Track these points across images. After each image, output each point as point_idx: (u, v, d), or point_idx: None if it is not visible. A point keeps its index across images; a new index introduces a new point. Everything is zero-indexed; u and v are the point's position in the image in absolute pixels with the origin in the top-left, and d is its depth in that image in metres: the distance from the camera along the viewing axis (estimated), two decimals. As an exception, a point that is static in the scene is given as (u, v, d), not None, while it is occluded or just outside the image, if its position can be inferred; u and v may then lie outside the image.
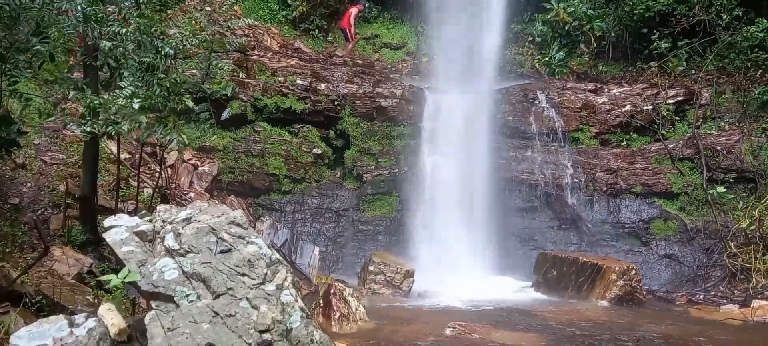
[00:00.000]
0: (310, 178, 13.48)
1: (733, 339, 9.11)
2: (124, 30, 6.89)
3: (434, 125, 13.73)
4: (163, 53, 7.24)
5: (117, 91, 6.41)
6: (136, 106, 6.29)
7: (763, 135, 13.49)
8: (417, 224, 13.18)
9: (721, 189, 12.86)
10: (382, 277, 11.41)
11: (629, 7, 15.75)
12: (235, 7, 16.81)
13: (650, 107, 14.32)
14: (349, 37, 17.04)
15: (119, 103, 6.19)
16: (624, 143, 14.25)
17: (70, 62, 8.08)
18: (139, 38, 7.12)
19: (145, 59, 7.12)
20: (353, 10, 17.06)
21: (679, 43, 15.33)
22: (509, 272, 12.88)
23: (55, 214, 8.75)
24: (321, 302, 9.19)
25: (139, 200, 9.20)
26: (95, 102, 6.32)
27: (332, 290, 9.10)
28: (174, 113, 7.35)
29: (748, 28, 14.49)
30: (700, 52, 15.34)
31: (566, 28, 16.40)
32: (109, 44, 6.95)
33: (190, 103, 7.36)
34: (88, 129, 6.30)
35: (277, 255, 5.34)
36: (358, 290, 10.47)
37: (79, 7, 6.64)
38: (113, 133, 6.71)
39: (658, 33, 15.41)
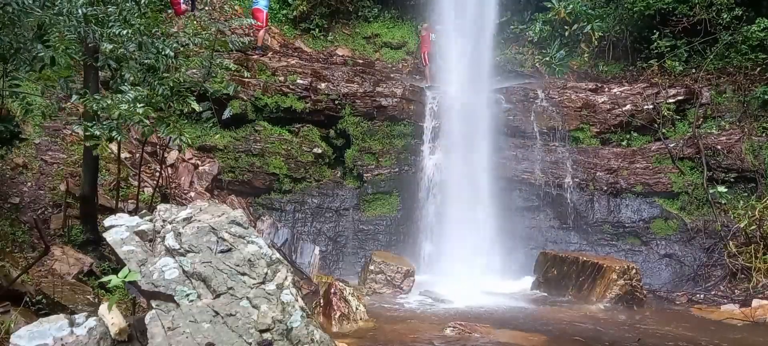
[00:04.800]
0: (311, 177, 13.47)
1: (733, 339, 9.08)
2: (125, 31, 6.88)
3: (435, 124, 13.74)
4: (164, 54, 7.23)
5: (119, 95, 6.38)
6: (139, 110, 6.26)
7: (764, 134, 13.49)
8: (417, 223, 13.18)
9: (721, 189, 12.85)
10: (382, 276, 11.42)
11: (629, 6, 15.73)
12: (236, 7, 16.83)
13: (651, 107, 14.31)
14: (423, 61, 16.17)
15: (123, 108, 6.16)
16: (624, 143, 14.23)
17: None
18: (141, 39, 7.11)
19: (146, 60, 7.11)
20: (424, 35, 16.21)
21: (680, 43, 15.32)
22: (510, 271, 12.89)
23: (56, 213, 8.75)
24: (321, 301, 9.19)
25: (139, 200, 9.19)
26: (98, 105, 6.29)
27: (333, 290, 9.09)
28: (176, 113, 7.35)
29: (749, 27, 14.48)
30: (701, 52, 15.33)
31: (566, 27, 16.40)
32: (110, 46, 6.93)
33: (196, 106, 7.35)
34: (95, 132, 6.26)
35: (278, 255, 5.34)
36: (359, 290, 10.46)
37: (80, 11, 6.61)
38: (115, 139, 6.69)
39: (658, 32, 15.40)
